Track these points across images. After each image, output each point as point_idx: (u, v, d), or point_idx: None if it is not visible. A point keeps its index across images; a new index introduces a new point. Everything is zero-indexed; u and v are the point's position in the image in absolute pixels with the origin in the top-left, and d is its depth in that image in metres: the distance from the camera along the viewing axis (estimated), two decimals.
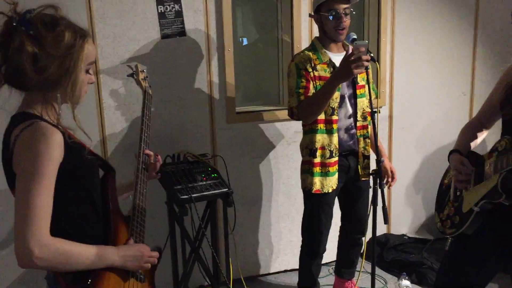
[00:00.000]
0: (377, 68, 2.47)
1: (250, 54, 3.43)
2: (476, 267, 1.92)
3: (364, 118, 2.70)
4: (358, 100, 2.65)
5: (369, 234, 2.74)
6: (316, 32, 2.80)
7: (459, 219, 1.93)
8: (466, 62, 3.77)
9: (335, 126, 2.59)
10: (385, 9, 3.41)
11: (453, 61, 3.72)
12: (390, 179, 2.75)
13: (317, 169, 2.62)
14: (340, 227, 2.98)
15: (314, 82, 2.53)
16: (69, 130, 1.46)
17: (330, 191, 2.65)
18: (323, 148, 2.61)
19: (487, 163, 1.83)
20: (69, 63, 1.34)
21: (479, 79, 3.81)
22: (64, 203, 1.38)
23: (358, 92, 2.64)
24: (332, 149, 2.60)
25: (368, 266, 3.22)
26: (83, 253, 1.35)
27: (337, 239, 3.04)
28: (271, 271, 3.46)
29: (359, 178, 2.74)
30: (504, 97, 1.86)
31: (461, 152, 1.99)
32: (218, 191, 2.53)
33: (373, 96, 2.41)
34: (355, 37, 2.32)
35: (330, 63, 2.57)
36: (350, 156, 2.70)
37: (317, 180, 2.62)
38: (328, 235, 2.81)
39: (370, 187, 2.54)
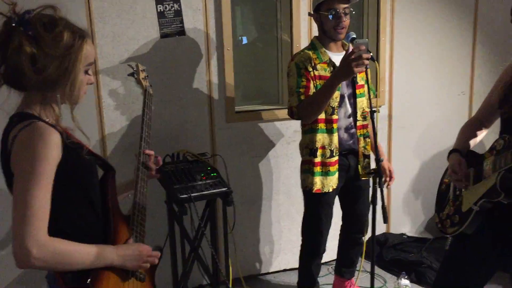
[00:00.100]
0: (376, 68, 2.47)
1: (250, 54, 3.43)
2: (475, 266, 1.93)
3: (364, 118, 2.70)
4: (358, 99, 2.65)
5: (368, 234, 2.74)
6: (315, 32, 2.81)
7: (459, 218, 1.93)
8: (465, 62, 3.77)
9: (335, 125, 2.59)
10: (384, 8, 3.41)
11: (452, 60, 3.72)
12: (388, 178, 2.75)
13: (317, 169, 2.61)
14: (341, 226, 2.99)
15: (314, 82, 2.53)
16: (68, 130, 1.46)
17: (330, 190, 2.65)
18: (323, 147, 2.61)
19: (486, 162, 1.84)
20: (67, 64, 1.34)
21: (479, 78, 3.81)
22: (62, 203, 1.38)
23: (357, 91, 2.64)
24: (332, 149, 2.60)
25: (367, 265, 3.23)
26: (82, 253, 1.35)
27: (337, 238, 3.04)
28: (271, 271, 3.46)
29: (359, 178, 2.74)
30: (502, 96, 1.86)
31: (461, 151, 2.00)
32: (218, 190, 2.54)
33: (371, 96, 2.42)
34: (354, 36, 2.32)
35: (330, 63, 2.57)
36: (350, 156, 2.70)
37: (317, 179, 2.62)
38: (328, 234, 2.81)
39: (370, 187, 2.54)
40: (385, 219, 2.25)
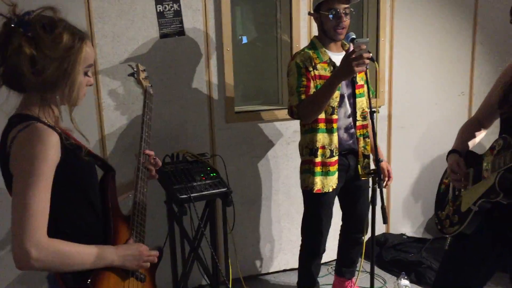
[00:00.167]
0: (376, 68, 2.47)
1: (249, 54, 3.43)
2: (475, 266, 1.93)
3: (364, 118, 2.70)
4: (357, 99, 2.65)
5: (368, 234, 2.74)
6: (315, 32, 2.81)
7: (458, 219, 1.93)
8: (465, 62, 3.77)
9: (335, 125, 2.59)
10: (384, 8, 3.41)
11: (452, 60, 3.72)
12: (386, 178, 2.76)
13: (318, 169, 2.61)
14: (341, 226, 2.99)
15: (314, 81, 2.52)
16: (68, 131, 1.46)
17: (330, 190, 2.65)
18: (323, 147, 2.61)
19: (485, 162, 1.84)
20: (67, 65, 1.34)
21: (478, 78, 3.81)
22: (61, 204, 1.38)
23: (357, 91, 2.64)
24: (332, 149, 2.60)
25: (367, 266, 3.22)
26: (82, 253, 1.35)
27: (336, 238, 3.04)
28: (271, 271, 3.47)
29: (359, 178, 2.73)
30: (502, 96, 1.86)
31: (460, 152, 2.00)
32: (217, 190, 2.54)
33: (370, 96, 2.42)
34: (354, 36, 2.32)
35: (331, 62, 2.57)
36: (349, 155, 2.70)
37: (318, 179, 2.62)
38: (327, 234, 2.81)
39: (370, 187, 2.55)
40: (385, 220, 2.25)
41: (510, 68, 1.91)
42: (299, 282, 2.94)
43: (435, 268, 3.22)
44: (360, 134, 2.70)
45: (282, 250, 3.46)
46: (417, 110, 3.68)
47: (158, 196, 2.73)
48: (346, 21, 2.52)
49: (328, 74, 2.54)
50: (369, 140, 2.74)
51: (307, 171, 2.66)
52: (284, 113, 3.08)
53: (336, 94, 2.55)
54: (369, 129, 2.74)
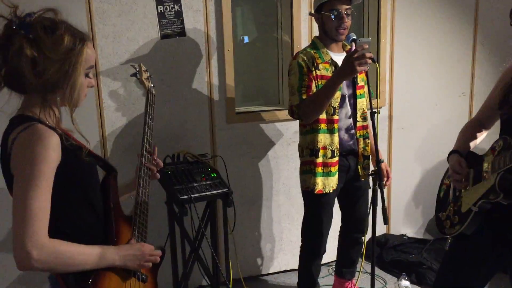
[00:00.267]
0: (376, 68, 2.47)
1: (250, 54, 3.43)
2: (475, 267, 1.93)
3: (364, 119, 2.70)
4: (358, 100, 2.65)
5: (368, 234, 2.74)
6: (315, 32, 2.81)
7: (458, 219, 1.93)
8: (465, 62, 3.77)
9: (336, 125, 2.59)
10: (384, 9, 3.41)
11: (452, 61, 3.72)
12: (385, 179, 2.75)
13: (319, 169, 2.61)
14: (341, 227, 2.98)
15: (316, 82, 2.52)
16: (69, 132, 1.46)
17: (331, 191, 2.65)
18: (324, 148, 2.60)
19: (485, 163, 1.84)
20: (68, 67, 1.35)
21: (479, 79, 3.81)
22: (62, 204, 1.38)
23: (357, 92, 2.64)
24: (333, 149, 2.60)
25: (367, 266, 3.23)
26: (83, 254, 1.35)
27: (336, 239, 3.04)
28: (271, 271, 3.47)
29: (359, 178, 2.74)
30: (502, 97, 1.86)
31: (461, 152, 2.00)
32: (218, 191, 2.54)
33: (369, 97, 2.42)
34: (354, 37, 2.32)
35: (332, 63, 2.57)
36: (350, 156, 2.70)
37: (319, 180, 2.61)
38: (328, 235, 2.81)
39: (370, 187, 2.55)
40: (385, 220, 2.25)
41: (511, 69, 1.91)
42: (299, 283, 2.94)
43: (436, 269, 3.22)
44: (360, 135, 2.70)
45: (283, 251, 3.46)
46: (417, 110, 3.68)
47: (159, 197, 2.73)
48: (348, 21, 2.52)
49: (329, 74, 2.54)
50: (369, 141, 2.74)
51: (307, 171, 2.66)
52: (284, 113, 3.08)
53: (337, 94, 2.55)
54: (369, 129, 2.75)
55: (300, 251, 2.89)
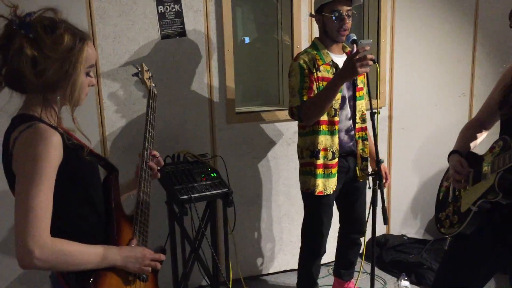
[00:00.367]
0: (377, 69, 2.47)
1: (250, 54, 3.44)
2: (475, 267, 1.93)
3: (363, 121, 2.70)
4: (357, 102, 2.65)
5: (368, 235, 2.75)
6: (315, 33, 2.81)
7: (458, 219, 1.94)
8: (466, 63, 3.77)
9: (336, 127, 2.59)
10: (385, 9, 3.41)
11: (452, 61, 3.72)
12: (384, 179, 2.75)
13: (320, 171, 2.61)
14: (339, 228, 2.99)
15: (317, 83, 2.52)
16: (70, 131, 1.46)
17: (331, 192, 2.65)
18: (325, 149, 2.60)
19: (485, 163, 1.84)
20: (68, 66, 1.35)
21: (479, 79, 3.82)
22: (64, 203, 1.38)
23: (357, 94, 2.64)
24: (334, 151, 2.60)
25: (367, 267, 3.23)
26: (84, 253, 1.35)
27: (336, 239, 3.04)
28: (271, 271, 3.47)
29: (357, 179, 2.74)
30: (502, 98, 1.87)
31: (461, 152, 2.00)
32: (218, 191, 2.54)
33: (366, 99, 2.42)
34: (355, 38, 2.32)
35: (333, 64, 2.57)
36: (349, 157, 2.70)
37: (320, 181, 2.61)
38: (328, 235, 2.81)
39: (370, 188, 2.55)
40: (385, 221, 2.25)
41: (511, 69, 1.92)
42: (299, 283, 2.94)
43: (436, 269, 3.22)
44: (359, 137, 2.70)
45: (282, 251, 3.46)
46: (417, 111, 3.68)
47: (159, 197, 2.73)
48: (349, 23, 2.52)
49: (330, 76, 2.53)
50: (367, 143, 2.74)
51: (308, 173, 2.65)
52: (284, 114, 3.09)
53: (338, 96, 2.54)
54: (368, 131, 2.75)
55: (300, 252, 2.90)
